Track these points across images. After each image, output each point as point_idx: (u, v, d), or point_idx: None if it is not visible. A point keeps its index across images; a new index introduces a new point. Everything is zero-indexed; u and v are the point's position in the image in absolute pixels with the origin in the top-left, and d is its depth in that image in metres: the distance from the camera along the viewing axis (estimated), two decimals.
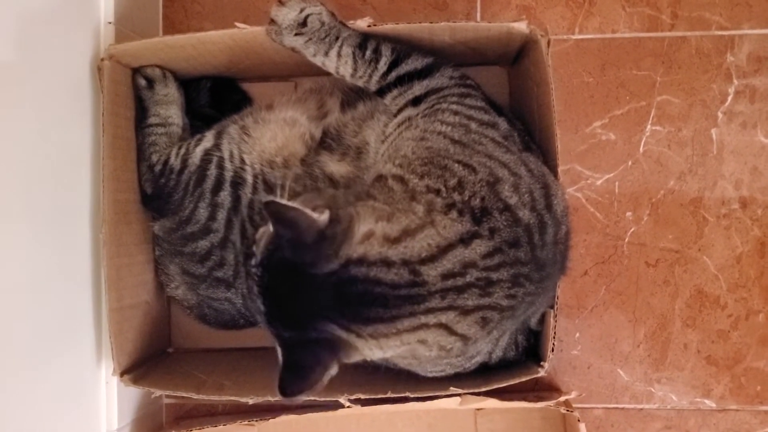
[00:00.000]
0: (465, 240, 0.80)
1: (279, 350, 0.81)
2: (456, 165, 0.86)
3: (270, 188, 1.04)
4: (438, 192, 0.83)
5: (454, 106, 0.95)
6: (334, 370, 0.81)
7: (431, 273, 0.78)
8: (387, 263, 0.77)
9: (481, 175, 0.85)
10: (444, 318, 0.80)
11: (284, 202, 0.76)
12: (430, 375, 0.98)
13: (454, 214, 0.81)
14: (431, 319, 0.80)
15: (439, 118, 0.93)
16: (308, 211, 0.75)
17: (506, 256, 0.82)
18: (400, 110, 0.99)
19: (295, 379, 0.79)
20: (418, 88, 0.99)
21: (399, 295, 0.77)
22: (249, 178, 1.05)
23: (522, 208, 0.84)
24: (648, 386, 1.26)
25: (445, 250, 0.79)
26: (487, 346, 0.94)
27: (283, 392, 0.78)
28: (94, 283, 1.05)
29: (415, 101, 0.98)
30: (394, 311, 0.78)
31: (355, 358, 0.82)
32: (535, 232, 0.84)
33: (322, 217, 0.76)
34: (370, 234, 0.78)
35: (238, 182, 1.05)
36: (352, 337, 0.79)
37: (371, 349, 0.81)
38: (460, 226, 0.80)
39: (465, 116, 0.94)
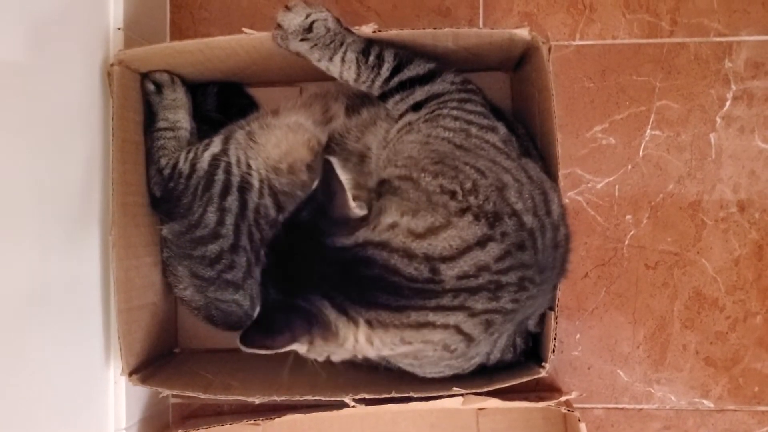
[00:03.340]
0: (481, 243, 0.81)
1: (257, 307, 0.82)
2: (467, 167, 0.87)
3: (275, 194, 1.06)
4: (453, 194, 0.83)
5: (454, 112, 0.96)
6: (302, 348, 0.81)
7: (449, 273, 0.79)
8: (409, 255, 0.78)
9: (491, 180, 0.86)
10: (453, 319, 0.81)
11: (339, 171, 0.77)
12: (428, 376, 0.99)
13: (470, 217, 0.82)
14: (439, 318, 0.81)
15: (441, 124, 0.94)
16: (348, 194, 0.78)
17: (515, 259, 0.83)
18: (401, 115, 1.00)
19: (260, 335, 0.79)
20: (419, 94, 1.00)
21: (413, 288, 0.78)
22: (255, 183, 1.06)
23: (526, 213, 0.86)
24: (647, 387, 1.28)
25: (464, 251, 0.80)
26: (486, 347, 0.95)
27: (245, 342, 0.78)
28: (103, 285, 1.07)
29: (416, 106, 0.99)
30: (404, 301, 0.78)
31: (330, 345, 0.81)
32: (538, 236, 0.86)
33: (357, 210, 0.78)
34: (394, 225, 0.80)
35: (245, 187, 1.06)
36: (341, 320, 0.79)
37: (358, 340, 0.81)
38: (477, 229, 0.81)
39: (465, 121, 0.95)
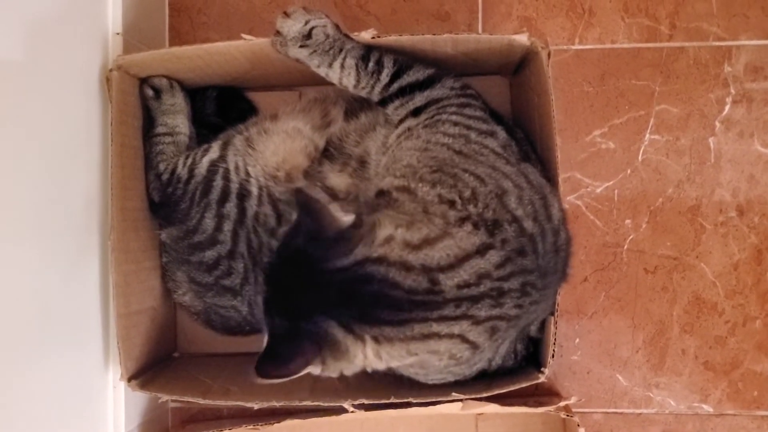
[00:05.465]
0: (481, 251, 0.81)
1: (265, 336, 0.82)
2: (465, 174, 0.87)
3: (275, 202, 1.06)
4: (452, 203, 0.83)
5: (454, 117, 0.96)
6: (316, 369, 0.82)
7: (448, 282, 0.79)
8: (406, 267, 0.78)
9: (490, 186, 0.86)
10: (457, 328, 0.81)
11: (312, 193, 0.78)
12: (430, 383, 0.99)
13: (469, 226, 0.82)
14: (443, 328, 0.80)
15: (441, 130, 0.94)
16: (332, 208, 0.78)
17: (515, 265, 0.83)
18: (401, 121, 1.00)
19: (274, 364, 0.79)
20: (419, 99, 1.00)
21: (414, 300, 0.78)
22: (254, 191, 1.06)
23: (526, 219, 0.86)
24: (646, 391, 1.28)
25: (462, 260, 0.80)
26: (489, 354, 0.95)
27: (261, 374, 0.78)
28: (102, 289, 1.07)
29: (416, 112, 0.99)
30: (406, 315, 0.79)
31: (341, 362, 0.82)
32: (539, 241, 0.86)
33: (346, 218, 0.79)
34: (390, 238, 0.80)
35: (243, 194, 1.06)
36: (348, 338, 0.80)
37: (367, 356, 0.81)
38: (476, 238, 0.81)
39: (464, 126, 0.95)
